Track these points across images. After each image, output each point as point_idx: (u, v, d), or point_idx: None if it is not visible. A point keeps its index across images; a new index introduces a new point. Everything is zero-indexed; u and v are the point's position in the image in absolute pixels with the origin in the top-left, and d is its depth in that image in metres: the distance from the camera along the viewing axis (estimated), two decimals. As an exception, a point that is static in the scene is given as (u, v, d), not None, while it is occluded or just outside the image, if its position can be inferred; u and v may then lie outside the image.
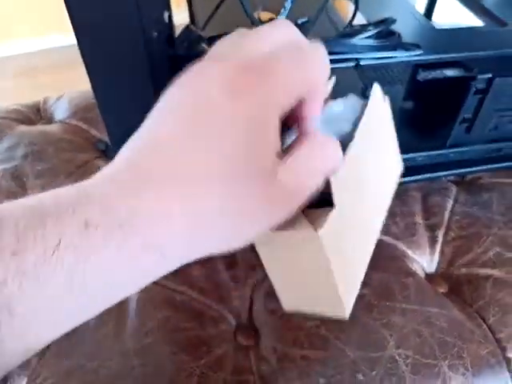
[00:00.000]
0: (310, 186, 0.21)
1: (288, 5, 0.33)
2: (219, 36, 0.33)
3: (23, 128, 0.57)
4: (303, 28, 0.38)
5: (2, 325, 0.15)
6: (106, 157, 0.54)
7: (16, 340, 0.16)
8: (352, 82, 0.40)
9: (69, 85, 1.45)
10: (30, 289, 0.15)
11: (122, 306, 0.37)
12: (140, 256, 0.17)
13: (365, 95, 0.45)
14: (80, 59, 0.29)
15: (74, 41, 0.28)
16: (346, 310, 0.26)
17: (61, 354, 0.34)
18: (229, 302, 0.37)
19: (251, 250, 0.40)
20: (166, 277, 0.38)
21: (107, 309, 0.37)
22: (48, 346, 0.34)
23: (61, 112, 0.60)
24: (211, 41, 0.32)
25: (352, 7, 0.43)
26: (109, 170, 0.19)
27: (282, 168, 0.19)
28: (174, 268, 0.20)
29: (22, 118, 0.60)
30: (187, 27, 0.34)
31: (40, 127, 0.58)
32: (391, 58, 0.36)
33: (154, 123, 0.19)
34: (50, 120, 0.60)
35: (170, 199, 0.18)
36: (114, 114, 0.33)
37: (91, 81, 0.30)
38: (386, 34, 0.37)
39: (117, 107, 0.32)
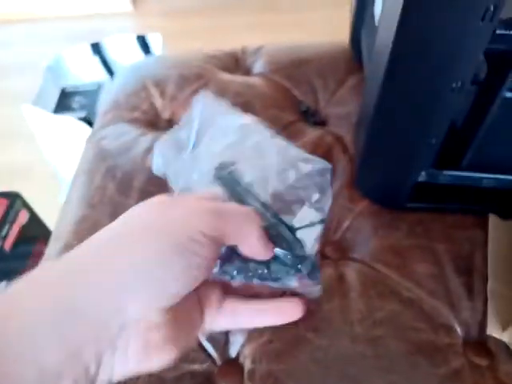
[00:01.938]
0: None
1: None
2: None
3: (225, 76, 0.58)
4: None
5: None
6: (306, 120, 0.52)
7: None
8: None
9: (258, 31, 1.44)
10: None
11: (342, 284, 0.36)
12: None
13: None
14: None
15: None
16: None
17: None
18: (458, 311, 0.34)
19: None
20: (386, 264, 0.37)
21: (328, 284, 0.36)
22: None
23: (261, 65, 0.59)
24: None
25: None
26: None
27: None
28: None
29: (221, 65, 0.60)
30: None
31: (242, 78, 0.57)
32: None
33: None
34: (248, 71, 0.60)
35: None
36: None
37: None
38: None
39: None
